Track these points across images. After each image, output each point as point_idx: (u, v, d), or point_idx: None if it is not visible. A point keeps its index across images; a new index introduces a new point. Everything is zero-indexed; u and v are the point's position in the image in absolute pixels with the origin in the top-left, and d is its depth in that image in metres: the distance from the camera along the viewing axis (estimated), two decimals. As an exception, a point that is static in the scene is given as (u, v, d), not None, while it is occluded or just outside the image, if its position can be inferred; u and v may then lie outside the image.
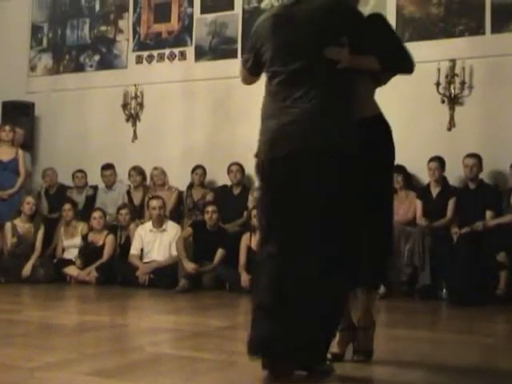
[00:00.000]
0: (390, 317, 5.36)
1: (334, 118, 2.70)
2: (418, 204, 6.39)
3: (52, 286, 6.73)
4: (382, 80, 3.08)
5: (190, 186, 7.51)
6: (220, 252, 6.50)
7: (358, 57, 2.78)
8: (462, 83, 6.68)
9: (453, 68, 6.68)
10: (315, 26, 2.74)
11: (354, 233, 2.72)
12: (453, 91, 6.71)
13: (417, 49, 6.72)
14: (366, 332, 3.08)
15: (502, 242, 5.70)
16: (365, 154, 2.70)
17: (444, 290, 5.88)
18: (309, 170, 2.65)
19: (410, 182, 6.65)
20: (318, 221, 2.64)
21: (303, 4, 2.79)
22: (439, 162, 6.35)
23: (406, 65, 2.96)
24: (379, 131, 2.97)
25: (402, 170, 6.50)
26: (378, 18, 3.06)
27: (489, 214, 6.00)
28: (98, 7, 8.72)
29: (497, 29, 6.59)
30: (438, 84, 6.70)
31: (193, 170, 7.43)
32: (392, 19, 6.98)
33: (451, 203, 6.24)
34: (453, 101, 6.73)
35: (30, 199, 7.24)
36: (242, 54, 6.67)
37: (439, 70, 6.67)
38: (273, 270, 2.67)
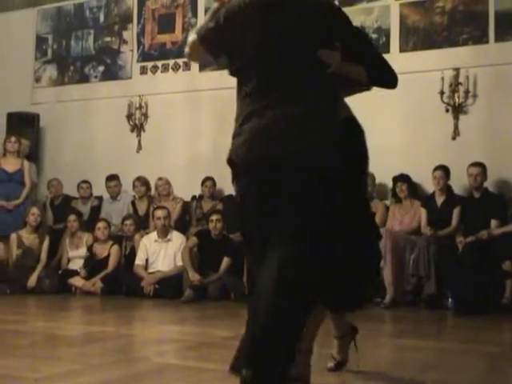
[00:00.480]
0: (396, 326, 5.35)
1: (318, 123, 2.49)
2: (423, 213, 6.38)
3: (57, 296, 6.73)
4: (358, 91, 2.97)
5: (200, 198, 7.52)
6: (226, 260, 6.50)
7: (348, 64, 2.66)
8: (466, 92, 6.69)
9: (457, 77, 6.69)
10: (308, 26, 2.55)
11: (334, 244, 2.53)
12: (457, 100, 6.72)
13: (420, 58, 6.83)
14: (342, 340, 3.04)
15: (508, 251, 5.69)
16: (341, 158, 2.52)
17: (449, 300, 5.85)
18: (288, 177, 2.41)
19: (415, 190, 6.64)
20: (298, 230, 2.40)
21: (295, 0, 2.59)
22: (444, 170, 6.35)
23: (392, 80, 2.86)
24: (352, 134, 2.83)
25: (406, 178, 6.51)
26: (359, 29, 2.98)
27: (494, 222, 5.98)
28: (102, 18, 8.76)
29: (500, 37, 6.60)
30: (442, 93, 6.70)
31: (202, 182, 7.43)
32: (396, 28, 7.02)
33: (456, 212, 6.22)
34: (457, 110, 6.73)
35: (35, 210, 7.26)
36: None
37: (443, 78, 6.68)
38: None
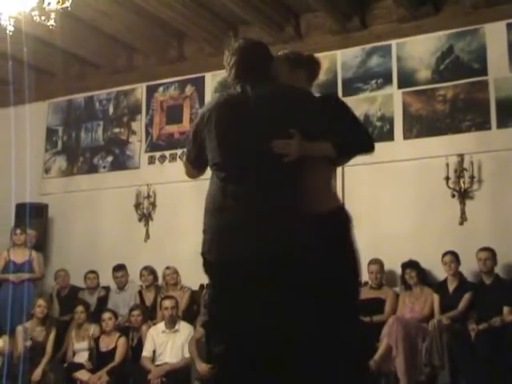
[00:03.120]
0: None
1: (284, 219, 2.46)
2: (436, 299, 6.26)
3: (62, 391, 6.58)
4: (338, 163, 2.89)
5: (212, 285, 7.42)
6: (233, 352, 6.36)
7: (312, 145, 2.58)
8: (471, 177, 6.70)
9: (461, 163, 6.73)
10: (264, 117, 2.54)
11: (313, 343, 2.51)
12: (462, 185, 6.73)
13: (425, 144, 6.90)
14: None
15: (521, 338, 5.57)
16: (320, 257, 2.47)
17: (465, 390, 5.68)
18: (259, 277, 2.43)
19: (425, 277, 6.56)
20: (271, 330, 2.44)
21: (252, 91, 2.59)
22: (454, 256, 6.29)
23: (364, 146, 2.78)
24: (335, 229, 2.68)
25: (415, 265, 6.45)
26: (331, 99, 2.88)
27: (506, 309, 5.88)
28: (111, 110, 8.95)
29: (502, 124, 6.66)
30: (447, 179, 6.72)
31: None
32: (399, 116, 7.11)
33: (466, 297, 6.11)
34: (463, 195, 6.73)
35: (41, 302, 7.20)
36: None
37: (448, 164, 6.71)
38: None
